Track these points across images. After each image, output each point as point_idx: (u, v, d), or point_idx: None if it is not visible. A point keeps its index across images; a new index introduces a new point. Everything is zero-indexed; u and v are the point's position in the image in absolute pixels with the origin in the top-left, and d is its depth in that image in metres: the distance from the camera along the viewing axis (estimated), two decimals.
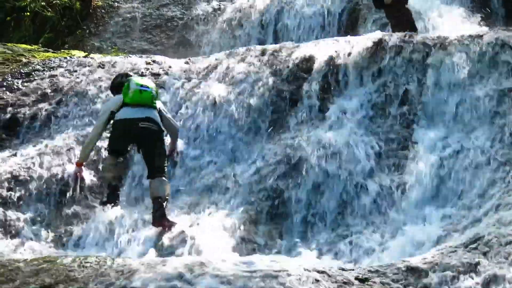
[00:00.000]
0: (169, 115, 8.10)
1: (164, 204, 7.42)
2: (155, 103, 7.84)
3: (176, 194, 8.00)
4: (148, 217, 7.46)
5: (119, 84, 8.10)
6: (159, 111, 7.90)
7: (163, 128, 7.83)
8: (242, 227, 7.40)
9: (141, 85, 7.76)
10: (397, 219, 7.29)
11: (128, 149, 7.96)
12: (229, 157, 8.38)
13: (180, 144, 8.49)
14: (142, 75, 8.99)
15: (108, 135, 8.03)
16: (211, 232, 7.28)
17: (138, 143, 7.78)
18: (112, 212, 7.63)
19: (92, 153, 8.35)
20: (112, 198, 7.75)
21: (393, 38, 8.94)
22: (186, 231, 7.27)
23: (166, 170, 7.70)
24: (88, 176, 8.22)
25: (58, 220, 7.76)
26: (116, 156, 7.82)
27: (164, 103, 8.65)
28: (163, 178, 7.57)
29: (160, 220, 7.33)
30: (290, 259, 6.13)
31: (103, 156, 8.35)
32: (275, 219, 7.57)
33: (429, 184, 7.49)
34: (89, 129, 8.55)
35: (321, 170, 7.80)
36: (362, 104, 8.44)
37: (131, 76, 8.27)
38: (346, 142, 8.00)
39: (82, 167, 8.10)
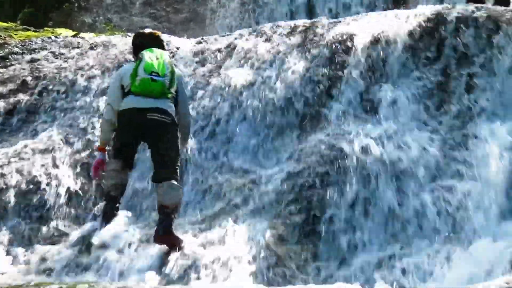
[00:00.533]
0: (185, 104, 7.59)
1: (172, 215, 6.90)
2: (168, 92, 7.27)
3: (186, 205, 7.60)
4: (151, 233, 6.95)
5: (136, 48, 7.59)
6: (176, 93, 7.35)
7: (177, 121, 7.35)
8: (268, 247, 6.86)
9: (151, 72, 7.15)
10: (462, 236, 6.79)
11: (135, 151, 7.46)
12: (252, 159, 8.00)
13: (192, 142, 8.13)
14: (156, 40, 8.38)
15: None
16: (229, 254, 6.73)
17: (144, 137, 7.29)
18: (107, 229, 7.05)
19: (83, 154, 8.13)
20: (109, 212, 7.19)
21: (455, 11, 8.44)
22: (198, 251, 6.74)
23: (177, 171, 7.16)
24: (75, 183, 7.91)
25: (39, 239, 7.42)
26: (121, 160, 7.30)
27: None
28: (173, 182, 6.96)
29: (163, 235, 6.80)
30: None
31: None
32: (310, 237, 7.03)
33: (502, 192, 6.98)
34: (82, 125, 8.47)
35: (367, 175, 7.26)
36: (416, 93, 7.97)
37: (149, 42, 7.58)
38: (397, 141, 7.52)
39: (106, 152, 7.55)
